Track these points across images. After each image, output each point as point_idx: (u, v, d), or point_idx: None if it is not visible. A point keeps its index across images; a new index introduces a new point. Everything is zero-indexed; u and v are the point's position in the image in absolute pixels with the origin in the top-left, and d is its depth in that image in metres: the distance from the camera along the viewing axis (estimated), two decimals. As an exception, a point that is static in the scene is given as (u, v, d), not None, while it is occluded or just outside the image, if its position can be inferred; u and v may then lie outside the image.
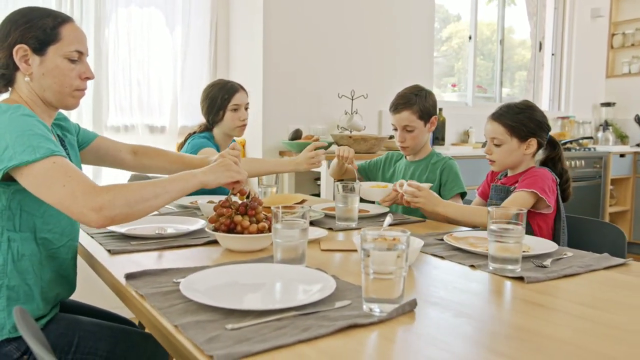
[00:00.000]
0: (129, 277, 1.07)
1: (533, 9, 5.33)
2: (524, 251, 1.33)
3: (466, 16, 4.63)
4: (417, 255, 1.26)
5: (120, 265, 1.20)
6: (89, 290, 2.00)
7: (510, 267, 1.17)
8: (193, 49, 3.42)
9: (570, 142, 4.55)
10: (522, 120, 1.78)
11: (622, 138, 5.24)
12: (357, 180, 1.94)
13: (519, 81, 5.39)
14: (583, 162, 4.31)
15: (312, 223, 1.74)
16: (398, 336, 0.84)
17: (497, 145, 1.81)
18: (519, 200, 1.70)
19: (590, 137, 4.83)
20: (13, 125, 1.15)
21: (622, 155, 4.64)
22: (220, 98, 2.26)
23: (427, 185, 1.78)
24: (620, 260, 1.28)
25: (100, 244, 1.38)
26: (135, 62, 3.19)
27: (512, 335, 0.85)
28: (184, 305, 0.92)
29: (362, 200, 2.00)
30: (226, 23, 3.60)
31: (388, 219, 1.32)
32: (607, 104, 5.31)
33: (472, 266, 1.24)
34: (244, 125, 2.32)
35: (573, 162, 4.24)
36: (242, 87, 2.35)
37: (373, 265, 0.87)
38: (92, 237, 1.47)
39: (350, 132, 3.45)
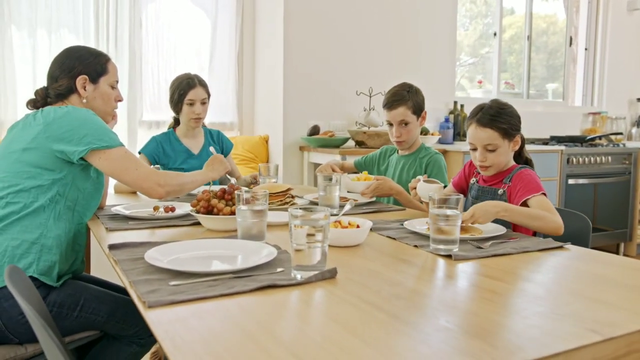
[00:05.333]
0: (112, 247, 1.29)
1: (567, 2, 5.28)
2: (472, 234, 1.46)
3: (520, 9, 4.68)
4: (367, 235, 1.42)
5: (114, 240, 1.42)
6: (101, 267, 2.27)
7: (444, 247, 1.30)
8: (220, 50, 3.66)
9: (600, 137, 4.51)
10: (509, 120, 1.75)
11: (658, 134, 5.12)
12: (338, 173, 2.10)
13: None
14: (610, 158, 4.27)
15: (298, 210, 1.92)
16: (313, 298, 1.00)
17: (491, 151, 1.75)
18: (547, 204, 1.64)
19: (620, 133, 4.75)
20: (90, 119, 1.55)
21: (654, 152, 4.55)
22: (177, 93, 2.45)
23: (437, 186, 1.76)
24: (557, 244, 1.39)
25: (102, 223, 1.61)
26: (163, 63, 3.48)
27: (404, 296, 1.00)
28: (144, 268, 1.12)
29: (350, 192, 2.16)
30: (252, 23, 3.82)
31: (347, 206, 1.47)
32: (644, 99, 5.20)
33: (415, 246, 1.38)
34: (198, 119, 2.48)
35: (599, 158, 4.21)
36: (200, 83, 2.49)
37: (293, 239, 1.04)
38: (97, 217, 1.70)
39: (368, 127, 3.60)
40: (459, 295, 1.03)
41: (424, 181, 1.82)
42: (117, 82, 1.78)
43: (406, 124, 2.19)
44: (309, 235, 1.03)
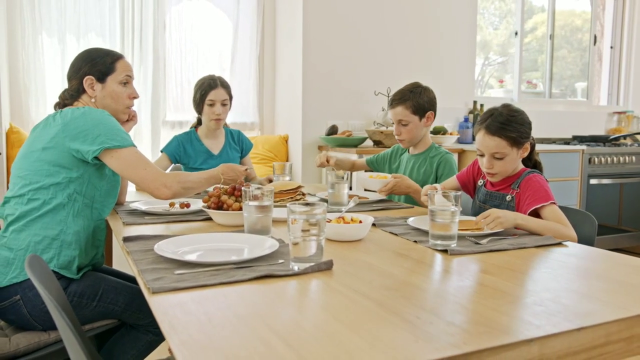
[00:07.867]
0: (126, 239, 1.37)
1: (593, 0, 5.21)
2: (473, 230, 1.50)
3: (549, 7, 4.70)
4: (370, 230, 1.47)
5: (129, 234, 1.50)
6: (122, 259, 2.37)
7: (442, 242, 1.35)
8: (241, 51, 3.75)
9: (624, 137, 4.45)
10: (519, 128, 1.72)
11: (687, 133, 5.00)
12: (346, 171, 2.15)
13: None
14: (634, 157, 4.20)
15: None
16: (307, 287, 1.06)
17: (499, 159, 1.73)
18: (560, 216, 1.63)
19: (645, 132, 4.67)
20: (104, 120, 1.61)
21: (681, 151, 4.46)
22: (199, 93, 2.53)
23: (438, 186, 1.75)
24: (555, 240, 1.42)
25: (120, 218, 1.71)
26: (186, 64, 3.59)
27: (394, 287, 1.05)
28: (153, 258, 1.20)
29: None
30: (272, 25, 3.89)
31: (351, 203, 1.52)
32: (672, 98, 5.10)
33: (415, 241, 1.43)
34: (218, 120, 2.54)
35: (623, 158, 4.16)
36: (222, 85, 2.55)
37: (290, 232, 1.11)
38: (117, 212, 1.80)
39: (386, 127, 3.64)
40: (448, 286, 1.07)
41: (443, 195, 1.84)
42: (132, 78, 1.79)
43: (405, 123, 2.22)
44: (304, 229, 1.09)
